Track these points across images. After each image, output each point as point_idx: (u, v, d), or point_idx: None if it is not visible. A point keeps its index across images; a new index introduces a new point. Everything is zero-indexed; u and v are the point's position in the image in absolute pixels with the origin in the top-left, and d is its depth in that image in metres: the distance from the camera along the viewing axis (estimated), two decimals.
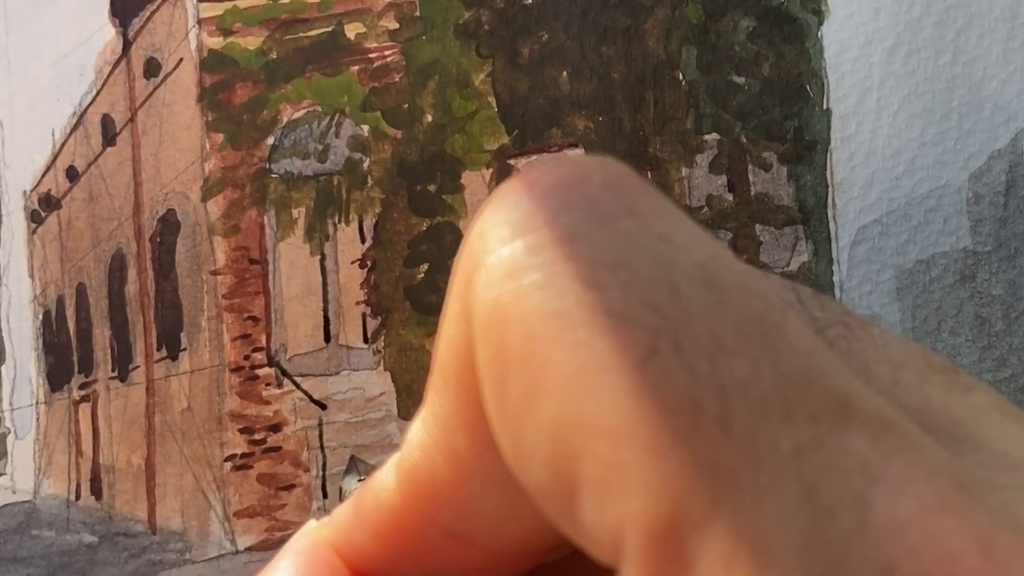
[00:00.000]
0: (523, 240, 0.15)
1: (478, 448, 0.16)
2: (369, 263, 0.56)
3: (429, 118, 0.56)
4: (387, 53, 0.56)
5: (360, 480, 0.49)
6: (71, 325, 0.61)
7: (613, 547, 0.13)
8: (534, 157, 0.54)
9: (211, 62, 0.58)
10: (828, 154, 0.51)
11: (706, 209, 0.52)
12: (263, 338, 0.57)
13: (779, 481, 0.12)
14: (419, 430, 0.18)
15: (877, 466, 0.13)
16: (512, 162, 0.55)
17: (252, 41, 0.58)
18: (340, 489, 0.55)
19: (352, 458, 0.55)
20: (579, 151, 0.54)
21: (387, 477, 0.19)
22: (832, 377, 0.14)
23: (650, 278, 0.14)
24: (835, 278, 0.51)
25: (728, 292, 0.14)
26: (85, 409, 0.61)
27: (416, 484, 0.18)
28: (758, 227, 0.52)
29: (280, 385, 0.57)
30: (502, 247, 0.15)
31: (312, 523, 0.21)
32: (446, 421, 0.17)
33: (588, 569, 0.15)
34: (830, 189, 0.51)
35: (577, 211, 0.15)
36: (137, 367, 0.59)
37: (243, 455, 0.57)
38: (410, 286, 0.56)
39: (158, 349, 0.59)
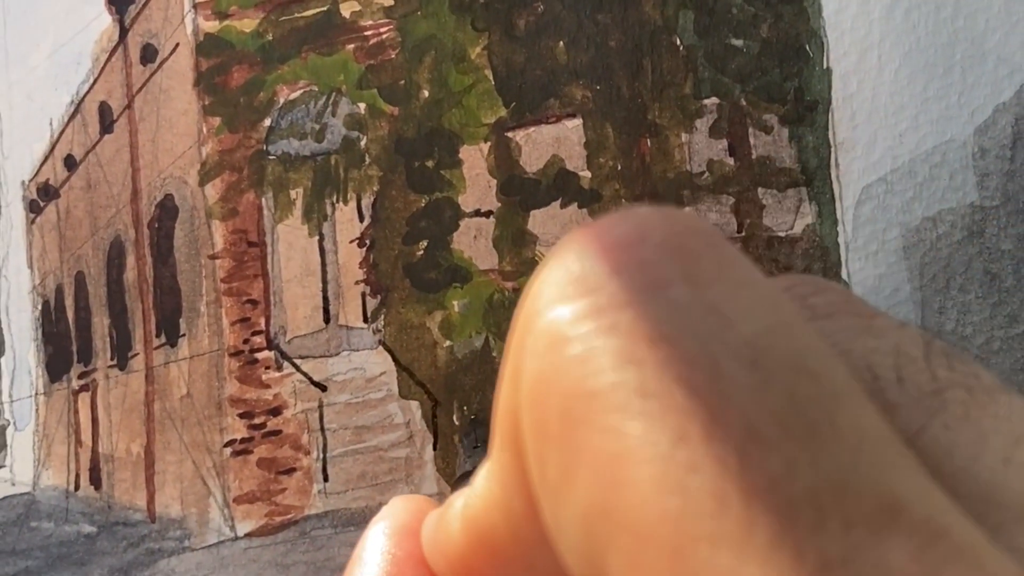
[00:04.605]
0: (571, 307, 0.14)
1: (533, 512, 0.16)
2: (368, 242, 0.55)
3: (426, 93, 0.55)
4: (382, 30, 0.56)
5: (475, 448, 0.48)
6: (70, 314, 0.61)
7: None
8: (532, 128, 0.54)
9: (207, 46, 0.58)
10: (830, 114, 0.50)
11: (707, 174, 0.52)
12: (262, 321, 0.57)
13: None
14: (483, 479, 0.17)
15: None
16: (510, 135, 0.54)
17: (248, 23, 0.57)
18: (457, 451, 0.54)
19: (471, 419, 0.53)
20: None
21: (456, 517, 0.18)
22: (882, 475, 0.12)
23: (689, 356, 0.13)
24: (840, 239, 0.50)
25: (774, 374, 0.13)
26: (84, 399, 0.60)
27: (478, 534, 0.18)
28: (760, 191, 0.51)
29: (280, 368, 0.56)
30: (550, 311, 0.14)
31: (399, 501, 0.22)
32: (504, 480, 0.16)
33: None
34: (833, 149, 0.50)
35: (627, 276, 0.14)
36: (136, 355, 0.59)
37: (243, 440, 0.56)
38: (409, 263, 0.55)
39: (157, 336, 0.58)
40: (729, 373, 0.13)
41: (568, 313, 0.14)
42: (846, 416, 0.13)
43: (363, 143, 0.56)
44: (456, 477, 0.48)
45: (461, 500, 0.18)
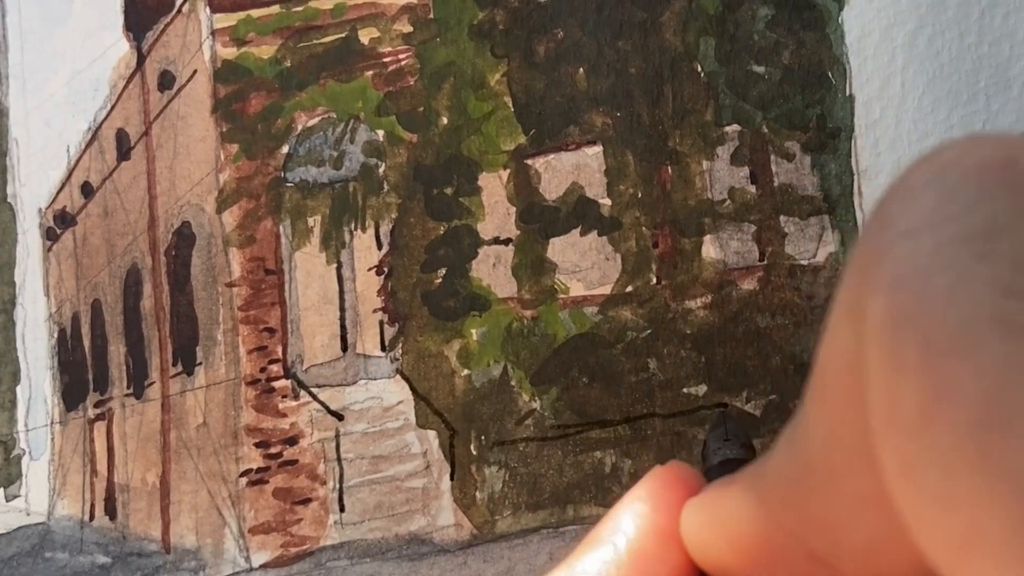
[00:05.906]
0: (932, 234, 0.13)
1: (858, 467, 0.14)
2: (386, 269, 0.55)
3: (445, 120, 0.55)
4: (401, 57, 0.56)
5: (726, 440, 0.45)
6: (86, 343, 0.60)
7: None
8: (551, 156, 0.53)
9: (225, 72, 0.58)
10: (852, 141, 0.50)
11: (729, 202, 0.51)
12: (279, 349, 0.56)
13: None
14: (791, 437, 0.16)
15: None
16: (529, 162, 0.54)
17: (266, 50, 0.57)
18: (704, 442, 0.51)
19: (722, 412, 0.51)
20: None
21: (741, 485, 0.17)
22: None
23: None
24: None
25: None
26: (100, 428, 0.59)
27: (784, 498, 0.16)
28: (783, 218, 0.51)
29: (296, 397, 0.56)
30: (907, 241, 0.13)
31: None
32: (824, 433, 0.15)
33: None
34: (856, 177, 0.50)
35: (999, 201, 0.13)
36: (152, 383, 0.58)
37: (259, 470, 0.55)
38: (428, 292, 0.54)
39: (173, 364, 0.58)
40: None
41: (930, 242, 0.13)
42: None
43: (381, 170, 0.55)
44: (705, 470, 0.45)
45: (748, 476, 0.17)
